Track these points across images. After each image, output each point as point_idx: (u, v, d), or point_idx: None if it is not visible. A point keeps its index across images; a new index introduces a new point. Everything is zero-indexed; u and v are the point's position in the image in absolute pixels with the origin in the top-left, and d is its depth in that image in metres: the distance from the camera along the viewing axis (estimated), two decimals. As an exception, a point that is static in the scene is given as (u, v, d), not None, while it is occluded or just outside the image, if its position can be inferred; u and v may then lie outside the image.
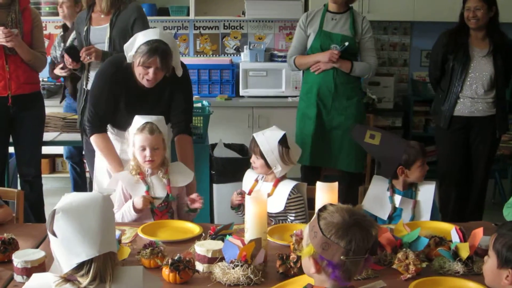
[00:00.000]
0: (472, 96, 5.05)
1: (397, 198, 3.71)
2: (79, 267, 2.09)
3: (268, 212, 3.18)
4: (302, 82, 5.46)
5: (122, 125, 3.86)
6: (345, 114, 5.11)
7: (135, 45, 3.74)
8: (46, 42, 5.92)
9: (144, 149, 3.58)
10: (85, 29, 4.61)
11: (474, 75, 5.03)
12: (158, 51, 3.70)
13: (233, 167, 5.09)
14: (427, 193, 3.72)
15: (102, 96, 3.90)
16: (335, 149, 5.15)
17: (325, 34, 5.09)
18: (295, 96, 6.69)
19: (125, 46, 3.82)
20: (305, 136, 5.16)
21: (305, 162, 5.14)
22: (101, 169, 4.11)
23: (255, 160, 3.69)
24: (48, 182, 5.30)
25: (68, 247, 2.08)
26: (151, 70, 3.73)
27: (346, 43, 5.00)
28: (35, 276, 2.32)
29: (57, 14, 6.74)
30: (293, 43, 5.32)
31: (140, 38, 3.75)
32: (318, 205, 3.03)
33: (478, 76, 5.03)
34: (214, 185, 5.22)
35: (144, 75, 3.76)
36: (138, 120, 3.63)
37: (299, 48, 5.24)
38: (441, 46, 5.18)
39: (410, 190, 3.74)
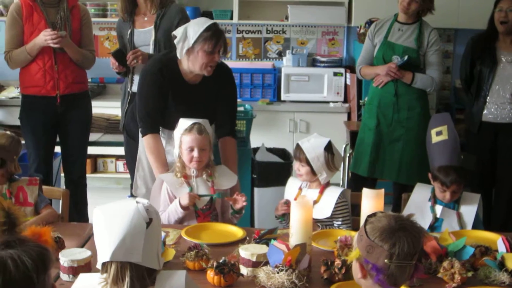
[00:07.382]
0: (499, 101, 4.99)
1: (438, 208, 3.67)
2: (104, 268, 2.11)
3: (314, 218, 3.18)
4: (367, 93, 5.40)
5: (170, 123, 3.86)
6: (407, 126, 4.98)
7: (190, 35, 3.74)
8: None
9: (192, 149, 3.60)
10: (129, 32, 4.64)
11: (500, 79, 4.98)
12: (221, 33, 3.79)
13: (275, 172, 5.07)
14: (470, 205, 3.67)
15: (149, 93, 3.92)
16: (395, 162, 5.01)
17: (389, 45, 5.00)
18: (337, 102, 6.70)
19: (176, 41, 3.80)
20: (364, 146, 5.09)
21: (363, 172, 5.07)
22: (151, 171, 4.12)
23: (299, 168, 3.66)
24: (90, 181, 5.36)
25: (98, 245, 2.12)
26: (216, 55, 3.76)
27: (406, 57, 4.88)
28: (82, 276, 2.35)
29: (103, 16, 6.86)
30: (361, 53, 5.25)
31: (194, 28, 3.75)
32: (363, 211, 3.03)
33: (505, 80, 4.97)
34: (256, 189, 5.21)
35: (209, 63, 3.78)
36: (185, 122, 3.65)
37: (366, 58, 5.16)
38: (469, 50, 5.16)
39: (452, 202, 3.67)
